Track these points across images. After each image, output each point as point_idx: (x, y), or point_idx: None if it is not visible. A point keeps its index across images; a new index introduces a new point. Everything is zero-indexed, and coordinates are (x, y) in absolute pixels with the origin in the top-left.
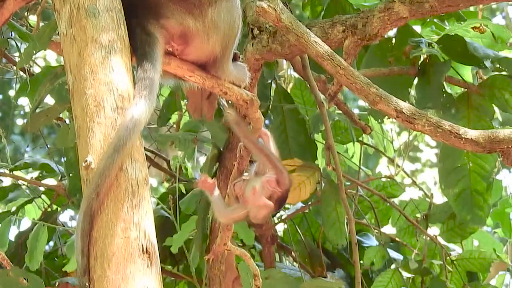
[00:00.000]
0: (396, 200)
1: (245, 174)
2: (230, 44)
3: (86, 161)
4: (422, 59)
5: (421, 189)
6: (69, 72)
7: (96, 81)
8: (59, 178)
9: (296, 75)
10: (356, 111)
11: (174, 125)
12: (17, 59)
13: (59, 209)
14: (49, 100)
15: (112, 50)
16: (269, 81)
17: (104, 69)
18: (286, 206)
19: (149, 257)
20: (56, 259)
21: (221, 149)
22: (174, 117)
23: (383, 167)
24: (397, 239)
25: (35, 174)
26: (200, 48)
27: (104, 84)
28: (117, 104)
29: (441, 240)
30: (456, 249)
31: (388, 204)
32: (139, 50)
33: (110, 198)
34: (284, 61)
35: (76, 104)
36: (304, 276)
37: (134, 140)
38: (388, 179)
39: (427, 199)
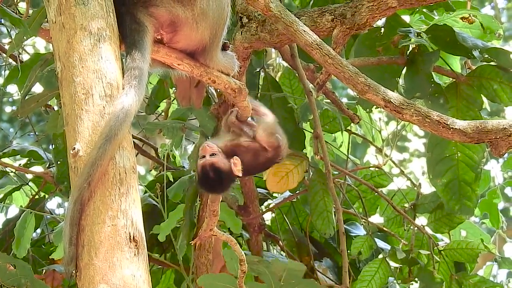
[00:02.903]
0: (384, 190)
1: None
2: (219, 33)
3: (74, 148)
4: (410, 48)
5: (409, 179)
6: (58, 59)
7: (84, 68)
8: (47, 165)
9: (285, 64)
10: (344, 100)
11: (163, 113)
12: (6, 46)
13: (46, 196)
14: (37, 88)
15: (101, 38)
16: (258, 70)
17: (93, 56)
18: (274, 195)
19: (136, 245)
20: (43, 246)
21: (209, 137)
22: (163, 105)
23: (371, 157)
24: (384, 228)
25: (23, 161)
26: (189, 36)
27: (92, 72)
28: (106, 92)
29: (428, 230)
30: (443, 239)
31: (376, 193)
32: (128, 38)
33: (98, 186)
34: (273, 50)
35: (65, 91)
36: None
37: (125, 130)
38: (376, 169)
39: (415, 188)
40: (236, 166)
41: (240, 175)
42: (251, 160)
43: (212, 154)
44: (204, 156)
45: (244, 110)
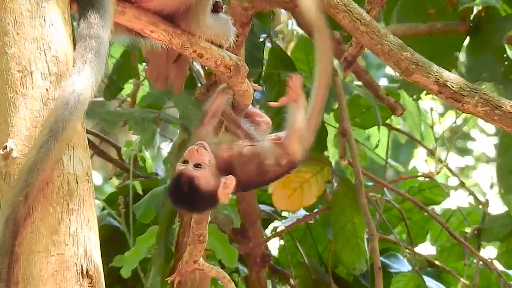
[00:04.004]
0: (437, 209)
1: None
2: None
3: (6, 147)
4: (475, 12)
5: (472, 193)
6: None
7: (21, 36)
8: None
9: (300, 31)
10: (383, 83)
11: (128, 99)
12: None
13: None
14: None
15: None
16: (262, 39)
17: (32, 20)
18: (283, 214)
19: (91, 283)
20: None
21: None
22: (128, 88)
23: (419, 162)
24: (437, 262)
25: None
26: None
27: (32, 41)
28: (50, 69)
29: (498, 265)
30: None
31: (426, 213)
32: None
33: (38, 199)
34: (283, 12)
35: None
36: None
37: (76, 123)
38: (427, 179)
39: (480, 207)
40: (226, 188)
41: (226, 202)
42: (252, 172)
43: (198, 165)
44: (186, 162)
45: (243, 96)
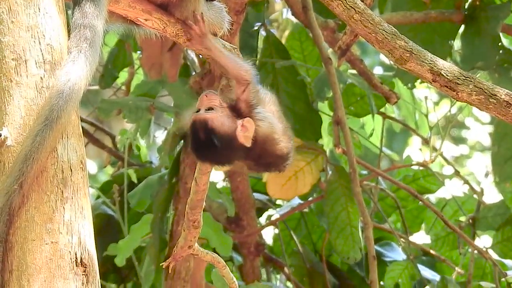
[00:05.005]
0: (432, 198)
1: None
2: None
3: (0, 135)
4: (470, 0)
5: (466, 182)
6: None
7: (15, 24)
8: None
9: (294, 20)
10: (377, 71)
11: (123, 87)
12: None
13: None
14: None
15: None
16: (256, 28)
17: (27, 8)
18: (278, 202)
19: (85, 271)
20: None
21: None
22: (123, 76)
23: (414, 151)
24: (432, 251)
25: None
26: None
27: (26, 29)
28: (45, 57)
29: (493, 254)
30: None
31: (421, 202)
32: None
33: (32, 188)
34: (278, 0)
35: None
36: None
37: (71, 111)
38: (421, 168)
39: (475, 196)
40: (245, 131)
41: (249, 144)
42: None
43: (210, 109)
44: (198, 110)
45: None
